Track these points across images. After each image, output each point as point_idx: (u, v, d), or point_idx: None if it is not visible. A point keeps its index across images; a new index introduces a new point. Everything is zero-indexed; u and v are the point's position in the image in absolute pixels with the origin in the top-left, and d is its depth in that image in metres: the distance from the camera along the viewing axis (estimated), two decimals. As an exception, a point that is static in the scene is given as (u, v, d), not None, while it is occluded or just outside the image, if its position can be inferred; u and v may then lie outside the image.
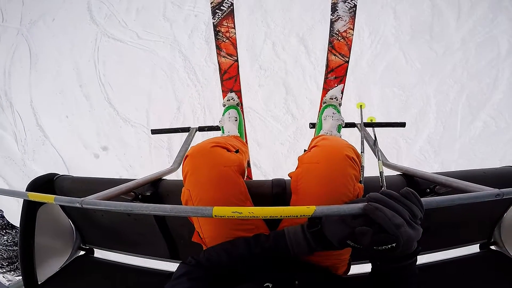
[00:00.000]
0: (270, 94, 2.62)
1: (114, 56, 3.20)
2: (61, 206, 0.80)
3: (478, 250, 0.77)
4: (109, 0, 3.43)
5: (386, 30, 2.58)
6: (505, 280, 0.71)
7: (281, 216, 0.39)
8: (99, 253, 0.92)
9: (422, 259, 0.75)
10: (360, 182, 0.59)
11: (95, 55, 3.29)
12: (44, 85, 3.39)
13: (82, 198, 0.47)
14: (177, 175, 0.74)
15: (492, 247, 0.77)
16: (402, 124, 1.04)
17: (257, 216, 0.39)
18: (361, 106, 1.09)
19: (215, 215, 0.39)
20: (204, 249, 0.61)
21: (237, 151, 0.68)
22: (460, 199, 0.43)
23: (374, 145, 0.81)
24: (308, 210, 0.38)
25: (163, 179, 0.76)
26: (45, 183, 0.78)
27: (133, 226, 0.79)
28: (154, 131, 1.17)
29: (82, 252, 0.90)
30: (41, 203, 0.75)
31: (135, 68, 3.09)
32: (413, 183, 0.67)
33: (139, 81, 3.08)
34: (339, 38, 1.02)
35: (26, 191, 0.67)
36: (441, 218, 0.71)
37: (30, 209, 0.74)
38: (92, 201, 0.47)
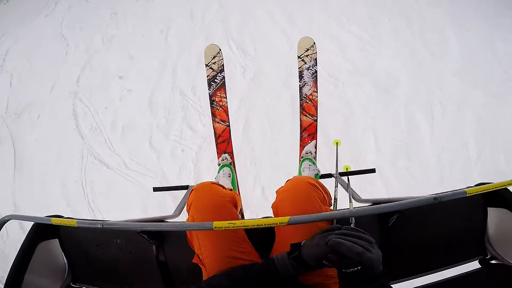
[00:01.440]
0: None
1: (102, 183, 2.91)
2: (61, 242, 0.82)
3: (478, 265, 0.78)
4: (94, 106, 3.05)
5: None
6: None
7: (265, 224, 0.52)
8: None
9: (423, 280, 0.78)
10: (331, 207, 0.76)
11: (82, 177, 3.01)
12: (29, 196, 3.18)
13: (103, 220, 0.55)
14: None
15: (492, 262, 0.77)
16: (372, 170, 1.15)
17: (247, 225, 0.51)
18: (337, 143, 1.22)
19: (215, 227, 0.49)
20: (203, 270, 0.70)
21: (231, 190, 0.90)
22: (399, 205, 0.51)
23: (347, 188, 0.91)
24: (284, 219, 0.51)
25: (166, 221, 0.82)
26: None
27: (132, 265, 0.82)
28: (156, 189, 1.23)
29: None
30: (42, 239, 0.77)
31: (126, 202, 2.82)
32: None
33: (134, 215, 2.82)
34: (307, 101, 1.24)
35: (32, 230, 0.75)
36: (433, 238, 0.75)
37: (30, 244, 0.75)
38: (112, 222, 0.56)
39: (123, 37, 3.77)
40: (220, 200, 0.73)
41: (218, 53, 1.26)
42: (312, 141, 1.26)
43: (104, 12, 4.41)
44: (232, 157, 1.30)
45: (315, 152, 1.27)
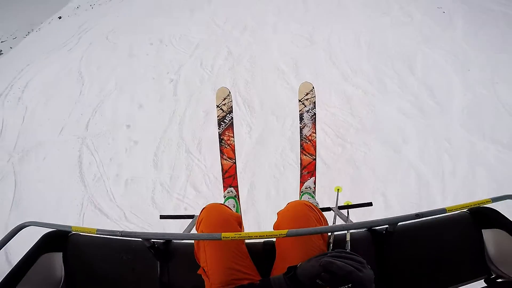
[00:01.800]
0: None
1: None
2: (64, 256, 0.81)
3: (484, 284, 0.76)
4: (100, 157, 3.01)
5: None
6: None
7: (266, 236, 0.58)
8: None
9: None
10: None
11: (80, 223, 2.90)
12: (21, 236, 3.08)
13: (121, 230, 0.62)
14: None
15: (499, 280, 0.75)
16: (369, 204, 1.20)
17: (251, 236, 0.57)
18: (338, 189, 1.33)
19: (223, 237, 0.55)
20: (206, 282, 0.74)
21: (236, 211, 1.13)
22: (385, 221, 0.60)
23: (346, 220, 0.99)
24: (283, 231, 0.58)
25: (173, 241, 0.84)
26: (61, 236, 0.80)
27: (133, 283, 0.81)
28: (162, 216, 1.26)
29: None
30: (47, 251, 0.77)
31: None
32: (374, 232, 0.80)
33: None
34: (306, 141, 1.33)
35: (40, 240, 0.76)
36: (433, 260, 0.76)
37: (34, 254, 0.75)
38: (129, 231, 0.62)
39: (135, 80, 3.84)
40: (228, 218, 0.82)
41: (228, 95, 1.35)
42: (312, 178, 1.34)
43: (121, 52, 4.58)
44: (237, 191, 1.40)
45: (314, 188, 1.35)
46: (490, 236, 0.73)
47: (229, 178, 1.38)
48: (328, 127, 2.86)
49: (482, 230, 0.74)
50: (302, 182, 1.37)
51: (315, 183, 1.36)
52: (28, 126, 3.78)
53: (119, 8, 6.91)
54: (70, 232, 0.81)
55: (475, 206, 0.65)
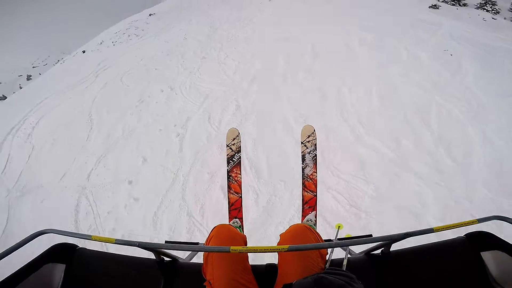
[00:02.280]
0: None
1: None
2: (67, 268, 0.82)
3: None
4: (98, 207, 2.95)
5: None
6: None
7: (270, 249, 0.62)
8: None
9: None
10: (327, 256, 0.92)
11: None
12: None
13: (139, 241, 0.64)
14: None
15: None
16: (369, 236, 1.19)
17: (256, 250, 0.62)
18: (339, 227, 1.35)
19: (232, 250, 0.60)
20: None
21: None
22: (376, 238, 0.65)
23: (345, 252, 0.97)
24: (285, 246, 0.61)
25: (179, 261, 0.92)
26: (69, 248, 0.83)
27: None
28: (167, 242, 1.29)
29: None
30: (51, 261, 0.78)
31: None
32: (371, 256, 0.87)
33: None
34: (308, 180, 1.43)
35: (48, 250, 0.78)
36: (436, 284, 0.77)
37: (38, 263, 0.76)
38: (146, 243, 0.65)
39: (142, 130, 3.92)
40: (235, 236, 0.90)
41: (237, 136, 1.46)
42: (313, 212, 1.42)
43: (132, 97, 4.76)
44: (241, 222, 1.48)
45: (315, 220, 1.42)
46: (490, 258, 0.75)
47: (235, 210, 1.46)
48: (340, 195, 2.68)
49: (481, 253, 0.76)
50: (303, 216, 1.46)
51: (316, 217, 1.44)
52: (32, 166, 3.78)
53: (137, 49, 7.36)
54: (77, 246, 0.85)
55: (466, 226, 0.68)
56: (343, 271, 0.58)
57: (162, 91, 4.84)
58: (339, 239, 1.19)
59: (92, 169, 3.33)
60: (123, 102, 4.71)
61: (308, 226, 0.90)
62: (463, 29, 5.89)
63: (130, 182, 3.02)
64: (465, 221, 0.67)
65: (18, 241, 0.70)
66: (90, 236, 0.67)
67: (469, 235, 0.80)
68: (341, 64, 4.83)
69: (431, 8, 7.99)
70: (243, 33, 6.68)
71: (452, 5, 8.92)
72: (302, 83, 4.45)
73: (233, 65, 5.16)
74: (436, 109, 3.60)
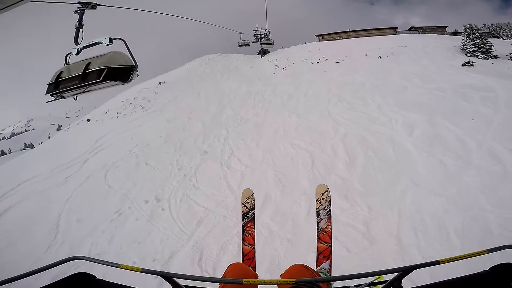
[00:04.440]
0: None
1: None
2: None
3: None
4: None
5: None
6: None
7: (280, 282, 0.67)
8: None
9: None
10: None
11: None
12: None
13: (162, 270, 0.70)
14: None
15: None
16: (382, 282, 1.19)
17: (266, 282, 0.65)
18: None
19: (244, 282, 0.64)
20: None
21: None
22: (383, 271, 0.63)
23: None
24: (293, 279, 0.66)
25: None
26: (88, 279, 0.84)
27: None
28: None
29: None
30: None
31: None
32: None
33: None
34: (322, 232, 1.53)
35: (69, 278, 0.75)
36: None
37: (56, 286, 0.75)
38: (168, 272, 0.70)
39: (112, 257, 2.99)
40: (248, 272, 1.03)
41: (251, 195, 1.59)
42: (327, 261, 1.48)
43: (110, 204, 3.80)
44: (254, 270, 1.51)
45: (330, 269, 1.45)
46: None
47: (248, 260, 1.55)
48: None
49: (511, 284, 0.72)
50: (317, 265, 1.51)
51: (330, 265, 1.48)
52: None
53: (137, 126, 6.72)
54: (96, 277, 0.86)
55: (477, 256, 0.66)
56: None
57: (147, 202, 3.80)
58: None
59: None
60: (98, 210, 3.79)
61: (305, 265, 0.94)
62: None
63: None
64: (473, 252, 0.65)
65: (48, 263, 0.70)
66: (119, 264, 0.72)
67: (495, 268, 0.72)
68: (398, 184, 3.45)
69: (465, 66, 7.12)
70: (253, 114, 5.81)
71: (484, 58, 8.16)
72: (341, 218, 3.10)
73: (238, 171, 4.07)
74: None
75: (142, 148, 5.35)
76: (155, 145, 5.36)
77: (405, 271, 0.64)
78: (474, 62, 7.13)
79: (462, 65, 7.14)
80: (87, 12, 1.73)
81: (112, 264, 0.71)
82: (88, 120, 9.39)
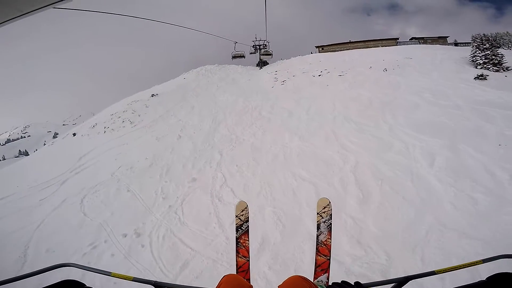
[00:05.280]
0: None
1: None
2: None
3: None
4: None
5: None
6: None
7: None
8: None
9: None
10: None
11: None
12: None
13: (155, 280, 0.70)
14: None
15: None
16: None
17: None
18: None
19: None
20: None
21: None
22: (380, 282, 0.71)
23: None
24: None
25: None
26: (78, 286, 0.82)
27: None
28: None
29: None
30: None
31: None
32: None
33: None
34: (322, 245, 1.51)
35: (59, 284, 0.75)
36: None
37: None
38: (161, 282, 0.70)
39: None
40: (244, 284, 0.95)
41: (246, 208, 1.59)
42: (325, 274, 1.49)
43: (85, 234, 3.39)
44: (249, 282, 1.54)
45: (327, 282, 1.47)
46: None
47: (243, 272, 1.55)
48: None
49: None
50: (315, 278, 1.51)
51: (328, 279, 1.50)
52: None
53: (123, 144, 6.16)
54: (85, 285, 0.83)
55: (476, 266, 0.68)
56: None
57: (125, 236, 3.25)
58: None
59: None
60: (71, 240, 3.35)
61: (303, 277, 0.92)
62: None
63: None
64: (469, 262, 0.65)
65: (37, 268, 0.68)
66: (110, 272, 0.70)
67: (492, 278, 0.74)
68: (416, 218, 2.93)
69: (478, 80, 6.66)
70: (250, 134, 5.26)
71: (496, 70, 7.72)
72: (354, 269, 2.54)
73: (231, 205, 3.49)
74: None
75: (125, 171, 4.78)
76: (139, 168, 4.79)
77: (401, 282, 0.67)
78: (487, 75, 6.70)
79: (474, 78, 6.70)
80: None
81: (103, 272, 0.71)
82: (74, 134, 8.83)
